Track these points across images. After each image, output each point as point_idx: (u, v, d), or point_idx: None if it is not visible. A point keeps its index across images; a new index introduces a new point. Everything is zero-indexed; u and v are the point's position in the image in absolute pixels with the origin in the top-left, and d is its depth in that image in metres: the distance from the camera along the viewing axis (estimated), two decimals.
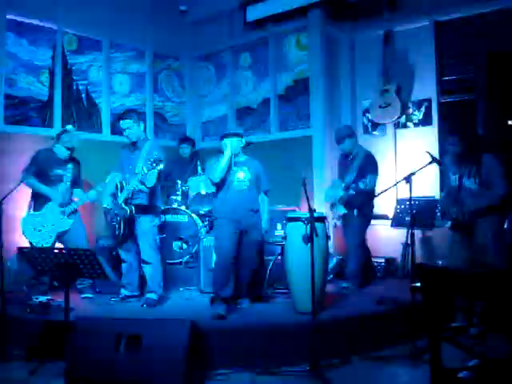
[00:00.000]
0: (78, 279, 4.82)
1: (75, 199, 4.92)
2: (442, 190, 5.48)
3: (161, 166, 4.28)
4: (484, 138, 5.43)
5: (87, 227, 5.10)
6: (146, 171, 4.26)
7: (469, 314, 3.99)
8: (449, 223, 4.48)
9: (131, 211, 4.44)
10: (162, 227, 5.70)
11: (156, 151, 4.45)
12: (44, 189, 4.77)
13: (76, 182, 5.01)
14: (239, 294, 4.53)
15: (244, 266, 4.54)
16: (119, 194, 4.48)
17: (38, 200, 4.82)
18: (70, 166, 4.94)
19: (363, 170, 4.92)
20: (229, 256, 4.33)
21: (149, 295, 4.55)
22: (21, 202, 4.96)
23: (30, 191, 4.92)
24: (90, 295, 4.92)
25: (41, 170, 4.78)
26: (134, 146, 4.65)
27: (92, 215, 5.73)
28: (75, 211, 4.87)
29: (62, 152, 4.88)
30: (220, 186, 4.51)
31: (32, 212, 4.81)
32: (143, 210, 4.55)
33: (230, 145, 4.44)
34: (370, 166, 4.99)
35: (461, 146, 4.31)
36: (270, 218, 4.76)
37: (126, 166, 4.62)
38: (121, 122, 4.63)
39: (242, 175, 4.49)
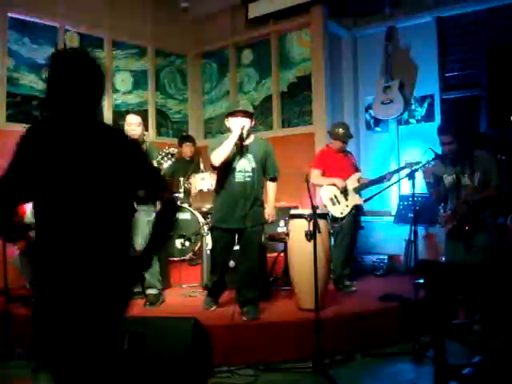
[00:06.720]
0: None
1: None
2: None
3: (169, 162, 4.21)
4: (485, 134, 5.41)
5: None
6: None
7: (472, 310, 3.98)
8: None
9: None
10: None
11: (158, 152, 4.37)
12: None
13: None
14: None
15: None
16: None
17: None
18: None
19: None
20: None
21: (149, 291, 4.52)
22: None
23: None
24: None
25: None
26: None
27: None
28: None
29: None
30: (221, 173, 4.02)
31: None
32: (141, 200, 4.50)
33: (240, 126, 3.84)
34: None
35: (456, 142, 4.29)
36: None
37: None
38: (131, 115, 4.61)
39: (245, 164, 3.98)
